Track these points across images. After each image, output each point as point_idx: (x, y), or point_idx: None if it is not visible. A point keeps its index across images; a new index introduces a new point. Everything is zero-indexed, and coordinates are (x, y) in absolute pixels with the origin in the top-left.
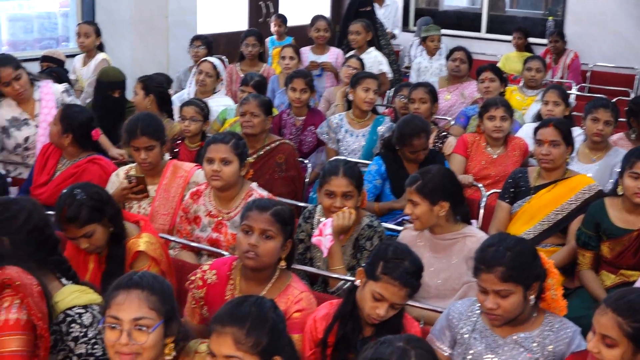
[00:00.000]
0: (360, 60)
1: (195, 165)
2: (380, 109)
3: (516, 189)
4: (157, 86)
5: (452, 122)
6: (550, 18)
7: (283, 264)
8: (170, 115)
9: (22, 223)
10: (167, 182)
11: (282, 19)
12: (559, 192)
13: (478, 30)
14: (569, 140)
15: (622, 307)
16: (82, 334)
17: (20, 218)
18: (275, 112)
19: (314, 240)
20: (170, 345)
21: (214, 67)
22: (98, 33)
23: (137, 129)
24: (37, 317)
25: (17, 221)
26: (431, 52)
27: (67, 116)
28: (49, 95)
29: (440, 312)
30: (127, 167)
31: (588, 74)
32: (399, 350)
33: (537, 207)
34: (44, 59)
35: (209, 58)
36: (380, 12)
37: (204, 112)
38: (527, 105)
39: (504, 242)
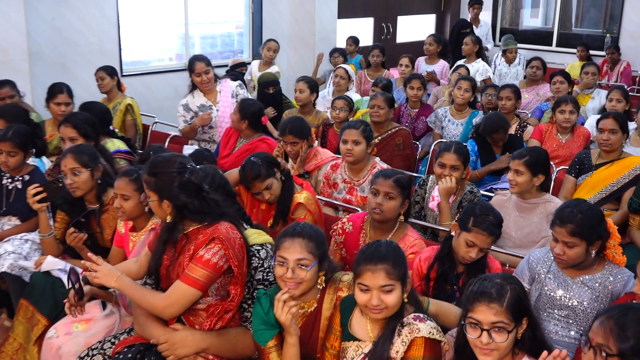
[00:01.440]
0: (467, 69)
1: (332, 157)
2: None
3: (581, 166)
4: (316, 86)
5: (529, 115)
6: (607, 35)
7: (402, 218)
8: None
9: (210, 182)
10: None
11: (353, 39)
12: (615, 169)
13: (550, 44)
14: (624, 129)
15: None
16: (259, 264)
17: (207, 179)
18: (395, 105)
19: (430, 205)
20: (322, 277)
21: (347, 72)
22: (279, 49)
23: (286, 129)
24: (234, 264)
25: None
26: (509, 61)
27: (243, 107)
28: (227, 88)
29: (522, 258)
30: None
31: (638, 79)
32: (497, 285)
33: (597, 180)
34: (235, 66)
35: (343, 65)
36: (477, 31)
37: (350, 105)
38: (585, 102)
39: (578, 206)
